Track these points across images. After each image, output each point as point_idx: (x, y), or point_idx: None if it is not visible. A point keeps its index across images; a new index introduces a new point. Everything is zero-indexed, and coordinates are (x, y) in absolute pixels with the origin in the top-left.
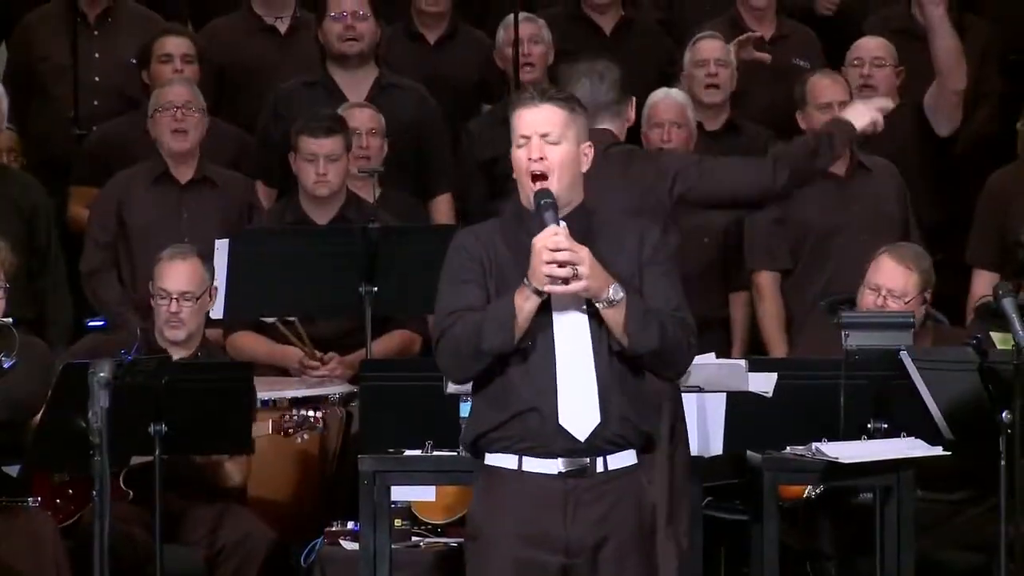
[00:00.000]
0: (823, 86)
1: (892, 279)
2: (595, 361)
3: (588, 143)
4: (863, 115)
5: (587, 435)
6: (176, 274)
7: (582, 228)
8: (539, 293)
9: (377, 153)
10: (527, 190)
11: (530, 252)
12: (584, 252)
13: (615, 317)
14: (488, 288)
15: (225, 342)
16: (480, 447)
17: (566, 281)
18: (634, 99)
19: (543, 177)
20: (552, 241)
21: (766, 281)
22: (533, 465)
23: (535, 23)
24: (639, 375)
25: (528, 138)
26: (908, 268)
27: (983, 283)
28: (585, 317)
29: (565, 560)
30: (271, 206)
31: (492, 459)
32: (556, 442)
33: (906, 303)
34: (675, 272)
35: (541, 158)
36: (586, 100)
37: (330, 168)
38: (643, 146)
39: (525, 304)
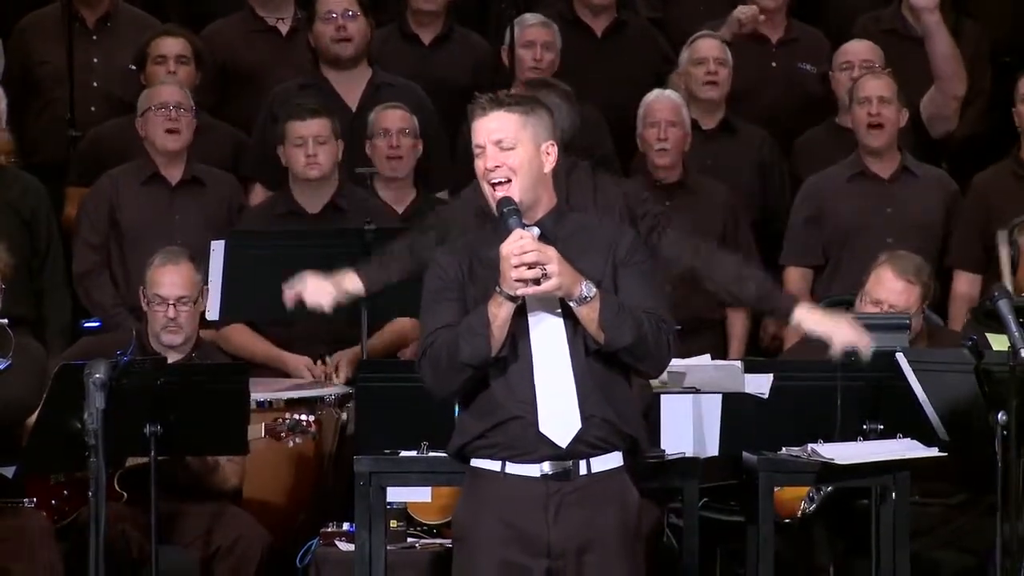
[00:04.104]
0: (869, 84)
1: (894, 294)
2: (573, 364)
3: (550, 142)
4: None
5: (568, 441)
6: (171, 280)
7: (556, 230)
8: (512, 299)
9: (409, 152)
10: (491, 199)
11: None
12: (551, 251)
13: (589, 314)
14: (468, 304)
15: (218, 332)
16: (465, 455)
17: (537, 282)
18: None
19: (506, 184)
20: (518, 246)
21: (794, 277)
22: (516, 468)
23: (550, 28)
24: (621, 377)
25: (483, 147)
26: (909, 282)
27: (964, 285)
28: (560, 320)
29: (549, 563)
30: (262, 200)
31: (476, 463)
32: (538, 449)
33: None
34: (651, 272)
35: (497, 166)
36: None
37: (319, 150)
38: (639, 146)
39: (499, 311)
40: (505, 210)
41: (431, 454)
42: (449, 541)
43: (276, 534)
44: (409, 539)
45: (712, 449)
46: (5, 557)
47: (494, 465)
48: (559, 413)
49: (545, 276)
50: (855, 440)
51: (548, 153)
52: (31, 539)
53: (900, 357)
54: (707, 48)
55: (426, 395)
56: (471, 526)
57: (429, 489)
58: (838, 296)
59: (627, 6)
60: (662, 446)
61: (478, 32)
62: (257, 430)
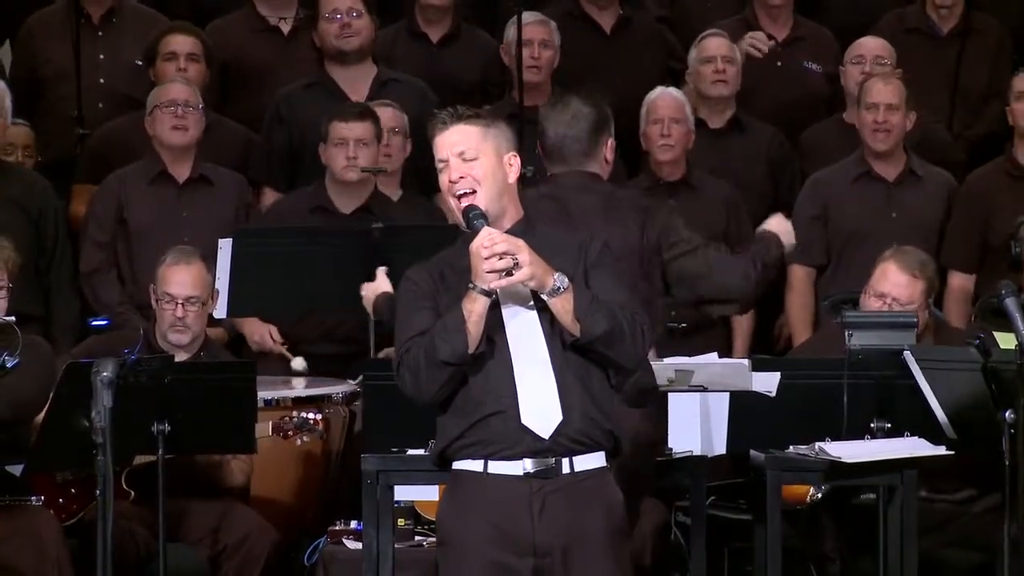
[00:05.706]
0: (877, 88)
1: (898, 287)
2: (550, 356)
3: (512, 154)
4: (787, 234)
5: (551, 432)
6: (181, 279)
7: (525, 240)
8: (486, 293)
9: (398, 151)
10: (457, 211)
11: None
12: (520, 242)
13: (564, 305)
14: (441, 312)
15: None
16: (447, 457)
17: (509, 273)
18: (612, 141)
19: (471, 194)
20: (488, 238)
21: (798, 275)
22: (499, 467)
23: (547, 26)
24: (599, 374)
25: (446, 161)
26: (914, 276)
27: (957, 282)
28: (535, 314)
29: (535, 561)
30: (292, 191)
31: (459, 465)
32: (521, 443)
33: (911, 310)
34: (622, 274)
35: (462, 177)
36: (553, 140)
37: (360, 152)
38: (642, 143)
39: (474, 307)
40: (471, 215)
41: None
42: None
43: (283, 532)
44: (417, 537)
45: (719, 447)
46: (13, 555)
47: (476, 465)
48: (540, 405)
49: (517, 266)
50: (862, 438)
51: (511, 164)
52: (39, 537)
53: (908, 356)
54: (715, 47)
55: None
56: (456, 529)
57: (437, 487)
58: (842, 292)
59: (632, 2)
60: (669, 444)
61: (486, 30)
62: (264, 428)
